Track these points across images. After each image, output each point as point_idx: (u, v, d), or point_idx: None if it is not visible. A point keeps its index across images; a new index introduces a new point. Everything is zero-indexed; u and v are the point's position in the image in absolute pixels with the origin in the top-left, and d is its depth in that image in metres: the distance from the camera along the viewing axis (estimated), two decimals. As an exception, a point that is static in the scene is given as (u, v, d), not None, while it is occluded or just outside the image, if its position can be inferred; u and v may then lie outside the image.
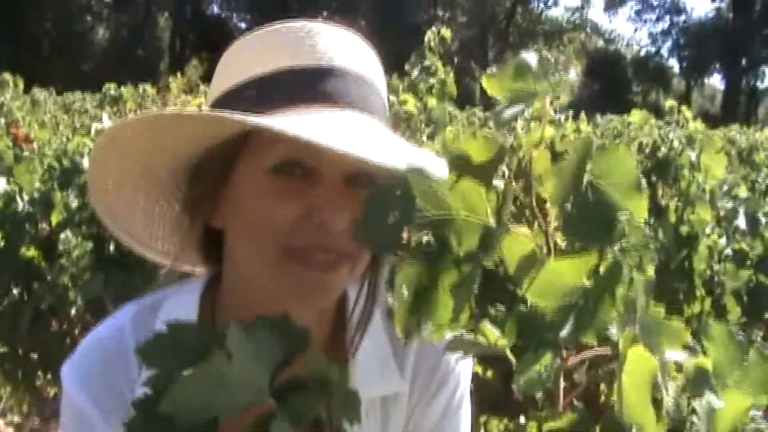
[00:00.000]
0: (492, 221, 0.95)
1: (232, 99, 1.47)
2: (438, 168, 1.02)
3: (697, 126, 4.61)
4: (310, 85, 1.45)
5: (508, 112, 0.99)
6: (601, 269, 0.94)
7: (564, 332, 0.96)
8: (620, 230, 0.97)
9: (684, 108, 4.82)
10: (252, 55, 1.52)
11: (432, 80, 5.33)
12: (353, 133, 1.36)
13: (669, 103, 4.97)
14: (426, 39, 5.48)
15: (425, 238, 0.99)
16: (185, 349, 0.94)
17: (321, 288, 1.45)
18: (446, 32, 5.43)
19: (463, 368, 1.71)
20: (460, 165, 0.98)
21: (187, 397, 0.89)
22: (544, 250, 1.00)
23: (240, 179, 1.44)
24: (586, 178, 0.95)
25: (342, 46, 1.54)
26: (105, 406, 1.50)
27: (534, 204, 1.10)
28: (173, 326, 0.96)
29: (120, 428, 0.92)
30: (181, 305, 1.59)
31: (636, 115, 4.85)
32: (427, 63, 5.37)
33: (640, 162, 4.58)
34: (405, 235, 0.98)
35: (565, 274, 0.95)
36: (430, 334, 0.99)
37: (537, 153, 1.01)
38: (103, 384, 1.53)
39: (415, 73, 5.33)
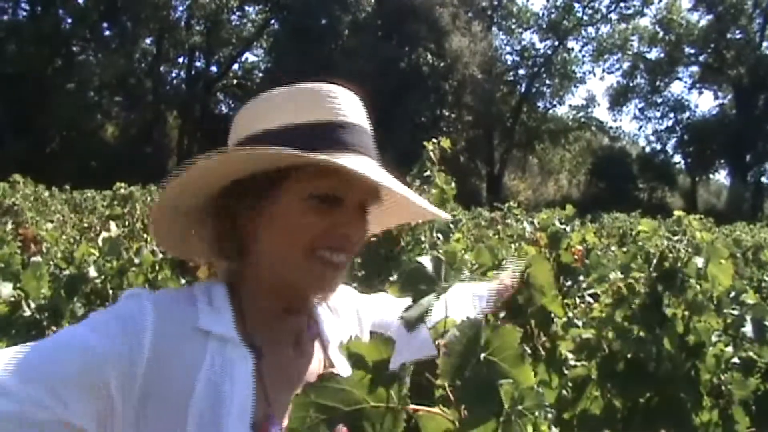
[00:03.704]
0: (395, 404, 1.14)
1: (263, 140, 1.87)
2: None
3: (703, 235, 4.61)
4: (330, 136, 1.90)
5: (415, 312, 1.19)
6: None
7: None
8: (514, 396, 1.12)
9: (690, 218, 4.82)
10: (279, 107, 1.94)
11: (433, 191, 5.35)
12: (373, 171, 1.86)
13: (677, 212, 4.97)
14: (426, 150, 5.48)
15: None
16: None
17: (334, 282, 1.95)
18: (446, 142, 5.44)
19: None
20: (359, 364, 1.20)
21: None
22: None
23: (283, 198, 1.89)
24: (481, 355, 1.19)
25: (350, 104, 2.01)
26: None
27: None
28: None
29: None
30: (215, 292, 1.93)
31: (645, 224, 4.87)
32: (427, 173, 5.38)
33: (648, 271, 4.59)
34: None
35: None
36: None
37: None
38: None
39: (417, 183, 5.35)
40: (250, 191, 1.90)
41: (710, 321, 4.51)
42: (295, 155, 1.75)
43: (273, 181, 1.88)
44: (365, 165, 1.88)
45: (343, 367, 1.64)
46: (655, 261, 4.55)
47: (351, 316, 2.28)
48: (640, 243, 4.82)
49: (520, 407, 1.15)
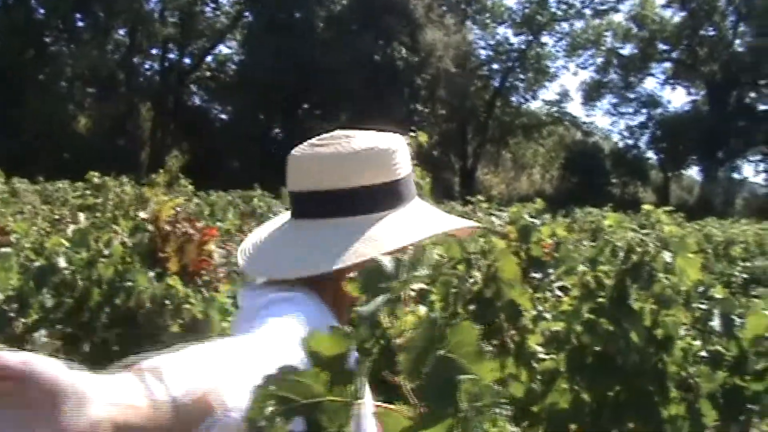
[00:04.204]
0: (351, 398, 1.20)
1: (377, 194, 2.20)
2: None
3: (672, 229, 4.63)
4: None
5: (368, 308, 1.21)
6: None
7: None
8: (472, 393, 1.13)
9: (659, 212, 4.84)
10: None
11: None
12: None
13: (645, 206, 5.00)
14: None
15: None
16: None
17: None
18: (423, 136, 5.44)
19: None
20: (316, 359, 1.21)
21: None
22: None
23: None
24: (440, 352, 1.19)
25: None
26: None
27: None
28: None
29: None
30: (313, 302, 2.06)
31: (612, 218, 4.90)
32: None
33: (616, 265, 4.61)
34: None
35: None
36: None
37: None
38: None
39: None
40: None
41: (678, 315, 4.53)
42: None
43: None
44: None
45: None
46: (622, 254, 4.57)
47: None
48: (607, 237, 4.85)
49: (478, 404, 1.16)
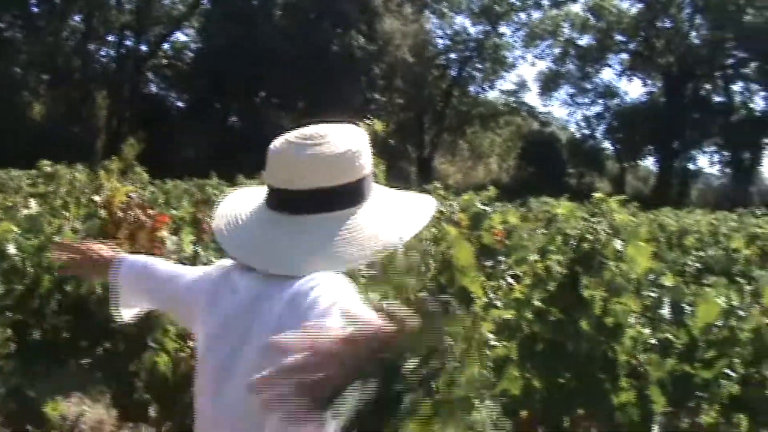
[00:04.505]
0: None
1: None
2: None
3: (623, 217, 4.65)
4: None
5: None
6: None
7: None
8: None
9: (610, 200, 4.86)
10: None
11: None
12: None
13: (597, 195, 5.02)
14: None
15: None
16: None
17: None
18: (379, 125, 5.42)
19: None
20: None
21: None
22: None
23: None
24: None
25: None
26: None
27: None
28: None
29: None
30: None
31: (563, 207, 4.91)
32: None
33: (565, 254, 4.62)
34: None
35: None
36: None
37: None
38: None
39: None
40: None
41: (629, 303, 4.56)
42: None
43: None
44: None
45: None
46: (573, 243, 4.58)
47: None
48: (559, 225, 4.87)
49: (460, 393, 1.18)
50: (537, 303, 4.61)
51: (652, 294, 4.86)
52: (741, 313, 4.96)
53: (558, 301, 4.59)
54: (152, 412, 6.73)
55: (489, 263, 5.09)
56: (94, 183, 11.13)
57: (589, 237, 4.58)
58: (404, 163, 67.36)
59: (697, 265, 13.66)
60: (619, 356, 4.52)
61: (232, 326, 2.33)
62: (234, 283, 2.43)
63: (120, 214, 6.22)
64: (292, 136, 2.43)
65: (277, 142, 2.43)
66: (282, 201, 2.41)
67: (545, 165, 70.34)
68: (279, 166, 2.41)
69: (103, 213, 6.30)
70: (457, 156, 79.69)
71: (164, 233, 6.33)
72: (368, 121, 5.49)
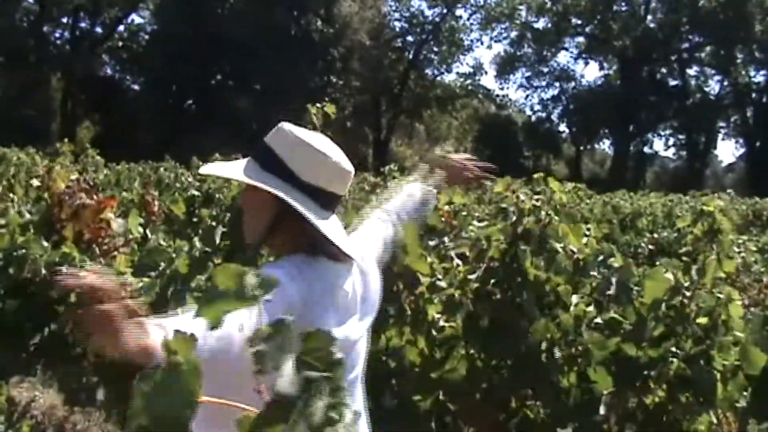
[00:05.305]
0: None
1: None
2: None
3: (561, 197, 4.67)
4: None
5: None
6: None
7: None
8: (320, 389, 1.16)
9: (550, 179, 4.87)
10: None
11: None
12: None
13: (537, 174, 5.04)
14: (309, 115, 5.41)
15: None
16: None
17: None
18: (330, 108, 5.38)
19: None
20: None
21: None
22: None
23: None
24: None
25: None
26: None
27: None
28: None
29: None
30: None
31: (500, 184, 4.91)
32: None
33: (504, 230, 4.63)
34: None
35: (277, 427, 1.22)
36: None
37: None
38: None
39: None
40: None
41: (566, 282, 4.58)
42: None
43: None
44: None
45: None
46: (513, 217, 4.59)
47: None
48: (498, 203, 4.88)
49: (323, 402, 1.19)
50: (478, 281, 4.62)
51: (597, 275, 4.86)
52: (687, 293, 4.97)
53: (499, 278, 4.59)
54: (101, 395, 6.69)
55: (433, 242, 5.08)
56: (38, 166, 11.07)
57: (529, 215, 4.59)
58: (361, 145, 67.39)
59: (650, 247, 13.77)
60: (556, 335, 4.53)
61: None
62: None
63: (64, 197, 6.17)
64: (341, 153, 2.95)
65: (344, 159, 2.93)
66: (334, 205, 2.92)
67: (502, 148, 70.49)
68: (347, 180, 2.96)
69: (46, 196, 6.25)
70: (414, 139, 79.73)
71: (110, 215, 6.28)
72: (320, 105, 5.48)
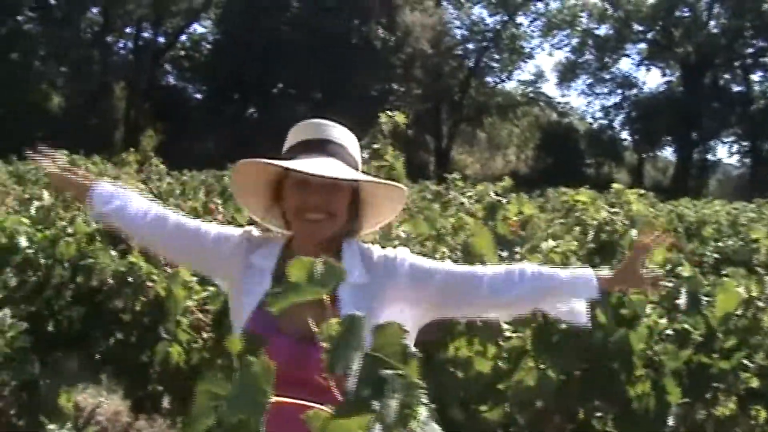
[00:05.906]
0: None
1: (287, 153, 3.16)
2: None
3: (639, 208, 4.62)
4: (315, 146, 3.11)
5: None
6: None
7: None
8: (394, 387, 1.14)
9: (627, 191, 4.83)
10: (293, 134, 3.23)
11: (382, 162, 5.32)
12: (325, 165, 2.99)
13: (616, 186, 5.00)
14: (379, 123, 5.44)
15: None
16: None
17: (316, 233, 3.08)
18: (401, 116, 5.40)
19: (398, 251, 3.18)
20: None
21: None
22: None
23: (287, 187, 3.12)
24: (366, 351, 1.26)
25: (332, 128, 3.20)
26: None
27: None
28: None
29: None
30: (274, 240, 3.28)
31: (583, 195, 4.88)
32: (377, 145, 5.35)
33: (585, 243, 4.59)
34: None
35: (351, 426, 1.19)
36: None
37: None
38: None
39: (365, 155, 5.33)
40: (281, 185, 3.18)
41: (644, 293, 4.53)
42: (274, 163, 3.09)
43: (283, 178, 3.15)
44: (315, 164, 2.98)
45: (346, 298, 2.90)
46: (592, 233, 4.56)
47: (379, 263, 3.12)
48: (578, 215, 4.84)
49: (396, 400, 1.17)
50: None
51: (669, 284, 4.82)
52: (760, 303, 4.92)
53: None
54: (166, 403, 6.74)
55: (504, 253, 5.06)
56: (107, 175, 11.15)
57: (608, 228, 4.56)
58: (422, 153, 67.36)
59: (716, 255, 13.61)
60: (635, 347, 4.49)
61: None
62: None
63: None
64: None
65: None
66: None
67: (563, 155, 70.12)
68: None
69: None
70: (475, 146, 79.53)
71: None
72: (390, 114, 5.49)
